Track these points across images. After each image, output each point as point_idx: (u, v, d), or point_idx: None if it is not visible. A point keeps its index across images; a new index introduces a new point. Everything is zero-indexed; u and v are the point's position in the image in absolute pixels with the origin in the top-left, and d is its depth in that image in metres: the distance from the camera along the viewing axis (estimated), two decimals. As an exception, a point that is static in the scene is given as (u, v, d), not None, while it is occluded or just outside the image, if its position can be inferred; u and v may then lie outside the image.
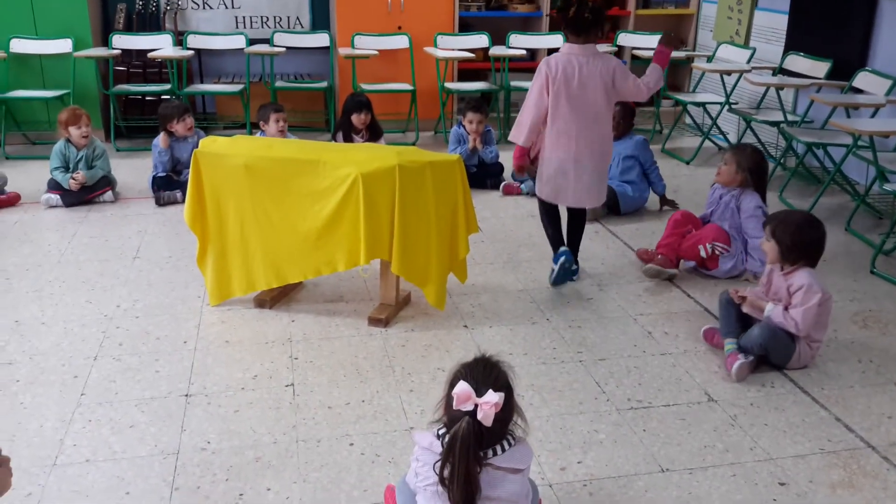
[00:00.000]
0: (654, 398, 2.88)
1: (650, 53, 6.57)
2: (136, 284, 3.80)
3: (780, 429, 2.72)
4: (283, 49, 6.54)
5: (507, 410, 1.87)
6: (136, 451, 2.54)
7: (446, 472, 1.83)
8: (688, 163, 6.12)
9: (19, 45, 6.16)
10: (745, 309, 3.12)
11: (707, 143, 6.31)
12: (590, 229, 4.63)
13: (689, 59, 6.97)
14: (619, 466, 2.51)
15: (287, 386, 2.94)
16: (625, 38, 7.05)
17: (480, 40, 6.85)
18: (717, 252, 3.88)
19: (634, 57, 6.94)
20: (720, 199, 4.06)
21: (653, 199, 4.99)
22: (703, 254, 3.87)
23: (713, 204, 4.10)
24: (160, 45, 6.37)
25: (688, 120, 7.00)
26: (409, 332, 3.38)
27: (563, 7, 3.72)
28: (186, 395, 2.86)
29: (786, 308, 3.03)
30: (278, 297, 3.64)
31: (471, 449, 1.81)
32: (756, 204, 3.93)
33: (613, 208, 4.81)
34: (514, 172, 5.36)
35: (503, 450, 1.87)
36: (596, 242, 4.45)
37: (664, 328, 3.43)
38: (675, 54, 6.65)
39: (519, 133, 3.77)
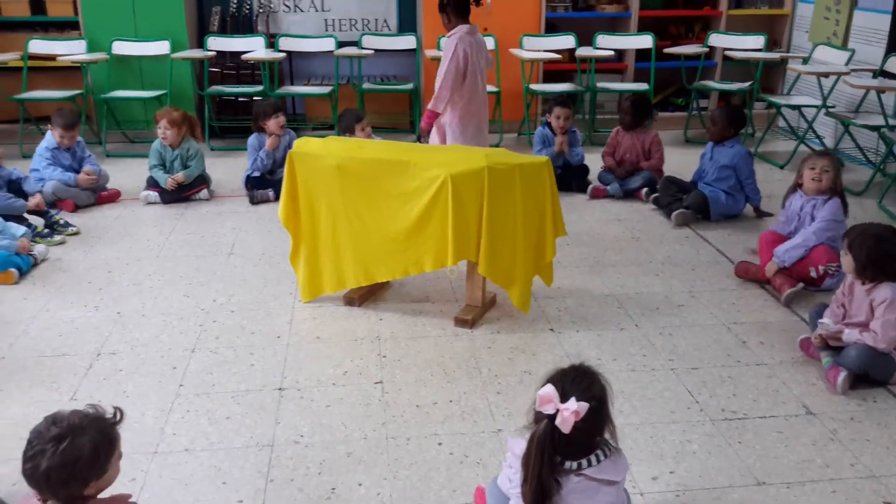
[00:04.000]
0: (749, 409, 2.81)
1: (743, 55, 6.45)
2: (231, 280, 3.91)
3: (884, 445, 2.61)
4: (371, 51, 6.63)
5: (595, 422, 1.85)
6: (232, 441, 2.62)
7: (523, 474, 1.84)
8: (781, 167, 5.94)
9: (120, 48, 6.42)
10: (831, 343, 3.03)
11: (802, 148, 6.10)
12: (680, 234, 4.55)
13: (783, 61, 6.78)
14: (712, 478, 2.45)
15: (376, 383, 2.98)
16: (716, 39, 6.88)
17: (567, 41, 6.80)
18: (829, 272, 3.73)
19: (726, 58, 6.78)
20: (801, 210, 3.89)
21: (748, 207, 4.86)
22: (813, 275, 3.72)
23: (793, 218, 3.93)
24: (253, 48, 6.54)
25: (781, 123, 6.79)
26: (494, 333, 3.38)
27: None
28: (280, 389, 2.93)
29: (867, 323, 2.93)
30: (366, 296, 3.69)
31: (545, 452, 1.81)
32: (834, 216, 3.75)
33: (704, 213, 4.70)
34: (600, 174, 5.32)
35: (598, 461, 1.85)
36: (686, 247, 4.36)
37: (759, 338, 3.33)
38: (768, 55, 6.50)
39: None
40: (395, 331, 3.40)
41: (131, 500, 1.85)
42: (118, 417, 1.86)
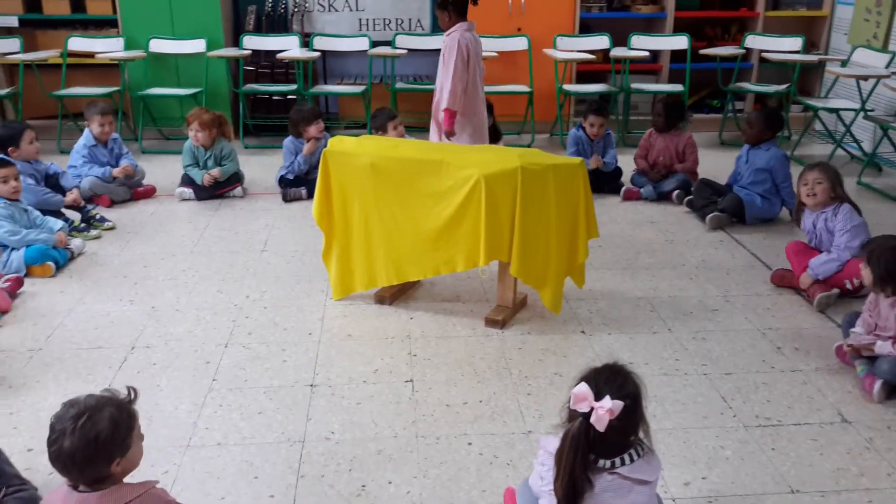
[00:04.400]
0: (783, 416, 2.77)
1: (780, 57, 6.37)
2: (264, 276, 3.95)
3: (922, 456, 2.56)
4: (405, 51, 6.64)
5: (629, 421, 1.84)
6: (264, 436, 2.64)
7: (556, 471, 1.83)
8: (818, 171, 5.84)
9: (158, 45, 6.50)
10: (863, 353, 2.98)
11: (839, 152, 6.01)
12: (714, 238, 4.51)
13: (821, 64, 6.68)
14: (745, 485, 2.42)
15: (406, 382, 2.99)
16: (753, 41, 6.80)
17: (601, 41, 6.76)
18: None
19: (763, 60, 6.70)
20: (814, 227, 3.82)
21: (783, 211, 4.79)
22: (848, 286, 3.66)
23: (811, 235, 3.86)
24: (288, 47, 6.59)
25: (818, 126, 6.70)
26: (525, 334, 3.37)
27: None
28: (311, 385, 2.95)
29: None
30: (397, 294, 3.70)
31: (579, 449, 1.81)
32: (851, 223, 3.66)
33: (739, 216, 4.65)
34: (633, 176, 5.29)
35: (631, 460, 1.85)
36: (721, 251, 4.31)
37: (794, 344, 3.29)
38: (805, 57, 6.41)
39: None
40: (426, 330, 3.40)
41: (158, 485, 1.87)
42: (132, 396, 1.88)
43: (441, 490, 2.38)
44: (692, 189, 4.97)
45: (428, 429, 2.68)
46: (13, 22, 6.61)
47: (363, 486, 2.40)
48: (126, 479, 1.86)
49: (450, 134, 4.45)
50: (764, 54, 6.62)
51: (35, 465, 2.46)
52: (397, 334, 3.36)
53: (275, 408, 2.80)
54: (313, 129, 5.17)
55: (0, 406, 2.79)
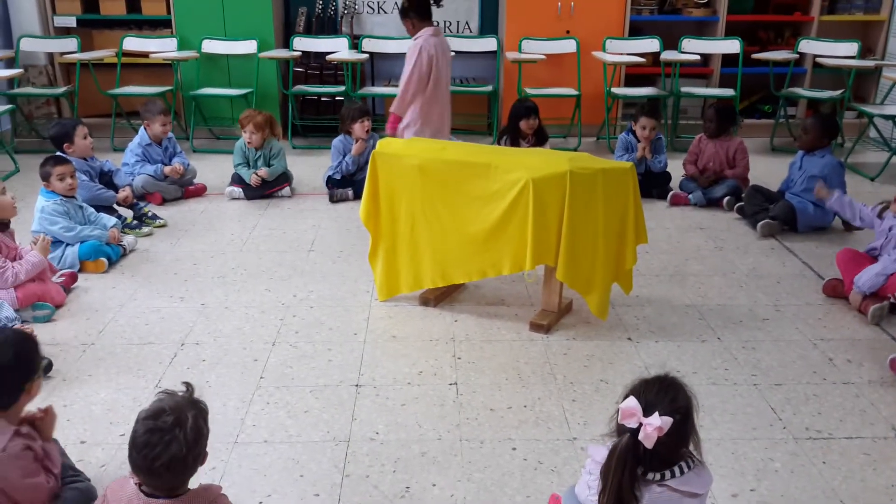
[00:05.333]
0: (835, 429, 2.71)
1: (835, 62, 6.23)
2: (311, 276, 3.98)
3: (982, 475, 2.48)
4: (452, 53, 6.63)
5: (679, 436, 1.81)
6: (309, 435, 2.66)
7: (602, 485, 1.81)
8: (872, 179, 5.72)
9: (210, 46, 6.61)
10: None
11: (894, 160, 5.86)
12: (765, 245, 4.43)
13: (878, 69, 6.52)
14: (795, 498, 2.37)
15: (451, 384, 2.99)
16: (807, 45, 6.67)
17: (651, 44, 6.69)
18: None
19: (817, 65, 6.57)
20: (889, 230, 3.70)
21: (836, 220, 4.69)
22: (893, 300, 3.56)
23: (882, 236, 3.74)
24: (337, 48, 6.65)
25: (873, 133, 6.54)
26: (570, 340, 3.34)
27: None
28: (357, 386, 2.97)
29: None
30: (442, 297, 3.70)
31: (626, 466, 1.78)
32: None
33: (791, 224, 4.56)
34: (682, 181, 5.22)
35: (681, 472, 1.82)
36: (772, 259, 4.24)
37: (847, 355, 3.21)
38: (861, 63, 6.26)
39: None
40: (470, 333, 3.40)
41: (221, 492, 1.90)
42: (191, 391, 1.92)
43: (485, 494, 2.38)
44: (743, 195, 4.89)
45: (472, 432, 2.68)
46: (71, 22, 6.77)
47: (407, 487, 2.41)
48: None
49: (390, 136, 4.49)
50: (818, 59, 6.49)
51: (88, 458, 2.52)
52: (441, 336, 3.36)
53: (321, 407, 2.83)
54: (357, 127, 5.20)
55: (54, 398, 2.85)
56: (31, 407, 2.19)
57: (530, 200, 3.15)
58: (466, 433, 2.68)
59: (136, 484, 1.83)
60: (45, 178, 4.02)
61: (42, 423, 2.15)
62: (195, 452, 1.82)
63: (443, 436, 2.66)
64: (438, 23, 7.04)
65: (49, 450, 2.13)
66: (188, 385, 1.92)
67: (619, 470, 1.77)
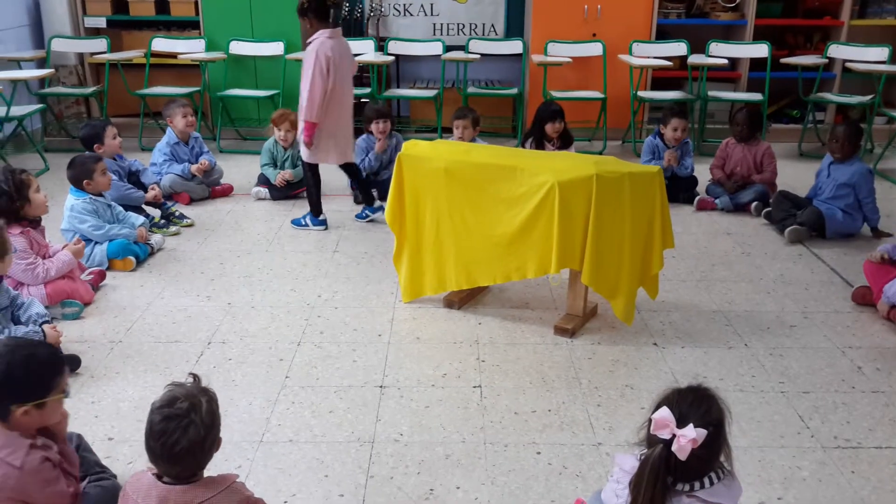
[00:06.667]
0: (864, 438, 2.68)
1: (865, 67, 6.16)
2: (335, 277, 4.00)
3: None
4: (478, 56, 6.65)
5: (712, 448, 1.78)
6: (334, 435, 2.67)
7: (633, 497, 1.79)
8: (903, 186, 5.65)
9: (237, 47, 6.66)
10: None
11: (926, 166, 5.79)
12: (793, 251, 4.39)
13: (909, 74, 6.43)
14: (823, 508, 2.35)
15: (475, 387, 2.98)
16: (836, 50, 6.59)
17: (678, 48, 6.65)
18: None
19: (846, 70, 6.49)
20: None
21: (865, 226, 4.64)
22: None
23: None
24: (363, 51, 6.66)
25: (904, 139, 6.45)
26: (595, 344, 3.33)
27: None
28: (381, 387, 2.97)
29: None
30: (466, 299, 3.70)
31: (659, 478, 1.76)
32: None
33: (819, 230, 4.51)
34: (708, 186, 5.18)
35: (711, 483, 1.79)
36: (800, 265, 4.19)
37: (876, 364, 3.17)
38: (892, 68, 6.18)
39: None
40: (494, 336, 3.40)
41: (237, 479, 1.91)
42: (198, 381, 1.94)
43: (509, 498, 2.37)
44: (770, 201, 4.85)
45: (496, 435, 2.68)
46: (101, 23, 6.86)
47: (431, 489, 2.41)
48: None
49: (308, 145, 4.45)
50: (848, 64, 6.41)
51: (115, 454, 2.55)
52: (466, 339, 3.36)
53: (345, 407, 2.83)
54: (374, 127, 5.24)
55: (83, 395, 2.89)
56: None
57: (556, 204, 3.14)
58: (490, 436, 2.67)
59: (153, 474, 1.85)
60: (88, 174, 4.05)
61: (56, 426, 2.13)
62: (212, 436, 1.84)
63: (467, 438, 2.66)
64: (477, 25, 7.10)
65: (65, 452, 2.13)
66: (195, 376, 1.93)
67: (651, 482, 1.75)
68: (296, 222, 4.73)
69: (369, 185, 5.18)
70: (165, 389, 1.89)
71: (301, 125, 4.46)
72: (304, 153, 4.54)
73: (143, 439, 1.84)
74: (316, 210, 4.69)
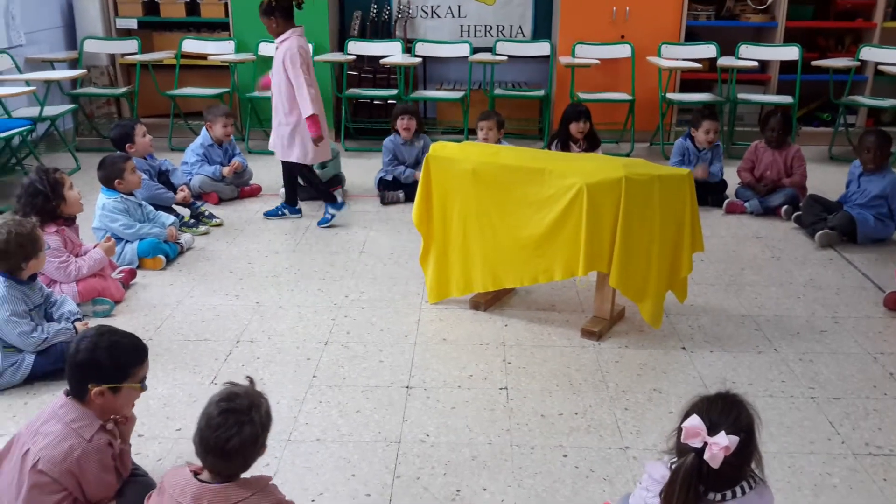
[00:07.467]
0: (896, 446, 2.64)
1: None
2: (362, 277, 4.02)
3: None
4: (505, 58, 6.64)
5: (743, 455, 1.77)
6: (361, 435, 2.68)
7: None
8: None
9: (267, 49, 6.68)
10: None
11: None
12: (823, 256, 4.34)
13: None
14: (855, 516, 2.32)
15: (501, 389, 2.98)
16: (868, 53, 6.49)
17: (708, 50, 6.60)
18: None
19: (878, 73, 6.40)
20: None
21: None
22: None
23: None
24: (391, 52, 6.69)
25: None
26: (622, 348, 3.31)
27: None
28: (407, 387, 2.98)
29: None
30: (492, 301, 3.70)
31: (691, 487, 1.75)
32: None
33: (850, 235, 4.46)
34: (738, 189, 5.13)
35: (743, 492, 1.78)
36: (830, 270, 4.14)
37: (909, 370, 3.14)
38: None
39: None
40: (521, 338, 3.39)
41: (271, 482, 1.93)
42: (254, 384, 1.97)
43: (535, 501, 2.37)
44: (801, 205, 4.79)
45: (523, 438, 2.68)
46: (133, 24, 6.94)
47: (458, 490, 2.41)
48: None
49: (319, 139, 4.55)
50: (880, 67, 6.32)
51: (144, 451, 2.58)
52: (492, 341, 3.36)
53: (372, 407, 2.85)
54: (398, 124, 5.31)
55: (114, 391, 2.92)
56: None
57: (584, 206, 3.13)
58: (517, 438, 2.67)
59: (191, 471, 1.87)
60: (119, 174, 4.10)
61: (123, 427, 2.21)
62: (263, 438, 1.87)
63: (493, 440, 2.66)
64: (504, 27, 7.10)
65: (124, 453, 2.19)
66: (251, 379, 1.95)
67: (683, 491, 1.73)
68: (270, 214, 4.91)
69: (398, 188, 5.21)
70: (224, 386, 1.91)
71: (282, 128, 4.58)
72: (298, 156, 4.63)
73: (197, 429, 1.85)
74: (329, 197, 4.80)
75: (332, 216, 4.78)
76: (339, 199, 4.86)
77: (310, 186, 4.85)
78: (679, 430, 1.81)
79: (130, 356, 2.15)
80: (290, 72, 4.48)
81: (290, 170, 4.81)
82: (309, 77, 4.50)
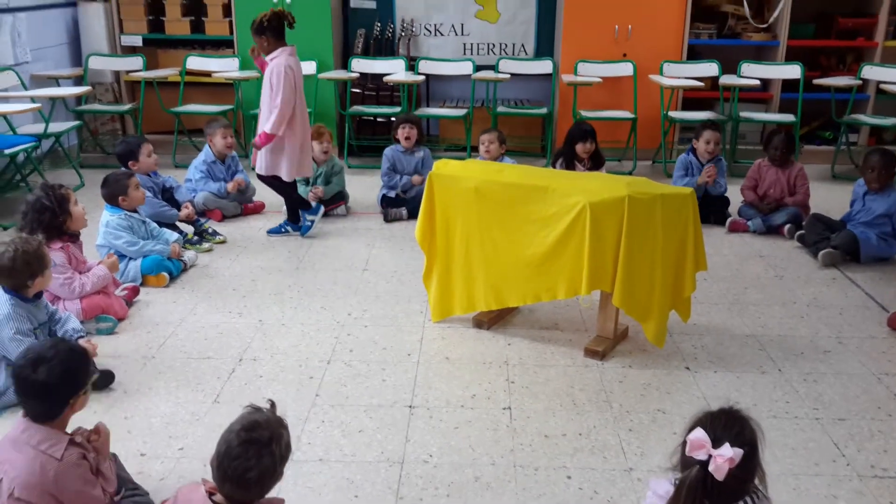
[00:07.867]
0: (902, 468, 2.63)
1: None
2: (365, 295, 4.01)
3: None
4: (508, 76, 6.67)
5: (747, 469, 1.77)
6: (364, 455, 2.67)
7: None
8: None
9: (270, 66, 6.73)
10: None
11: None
12: (826, 275, 4.33)
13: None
14: (861, 539, 2.30)
15: (504, 409, 2.97)
16: (870, 71, 6.52)
17: (710, 68, 6.63)
18: None
19: (880, 91, 6.42)
20: None
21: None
22: None
23: None
24: (394, 70, 6.72)
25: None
26: (626, 367, 3.31)
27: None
28: (410, 407, 2.97)
29: None
30: (495, 319, 3.70)
31: (696, 500, 1.75)
32: None
33: (853, 254, 4.45)
34: (741, 208, 5.13)
35: (747, 508, 1.78)
36: (833, 289, 4.14)
37: (914, 391, 3.12)
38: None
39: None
40: (524, 357, 3.38)
41: None
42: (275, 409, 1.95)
43: (539, 522, 2.36)
44: (804, 223, 4.79)
45: (526, 458, 2.66)
46: (138, 41, 6.98)
47: (461, 512, 2.40)
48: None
49: (256, 146, 4.66)
50: (882, 86, 6.34)
51: (147, 470, 2.57)
52: (495, 360, 3.36)
53: (375, 427, 2.84)
54: (399, 133, 5.37)
55: (116, 411, 2.92)
56: (87, 422, 2.26)
57: (587, 225, 3.13)
58: (520, 459, 2.66)
59: (207, 492, 1.85)
60: (123, 191, 4.11)
61: (97, 444, 2.18)
62: (282, 468, 1.87)
63: (496, 461, 2.65)
64: (507, 45, 7.13)
65: (104, 470, 2.17)
66: (272, 403, 1.94)
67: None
68: (273, 231, 4.94)
69: (401, 205, 5.22)
70: (244, 410, 1.90)
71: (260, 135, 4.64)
72: (286, 172, 4.68)
73: (215, 454, 1.83)
74: (304, 204, 4.89)
75: (312, 222, 4.88)
76: (313, 204, 4.96)
77: (286, 198, 4.90)
78: (683, 444, 1.81)
79: (82, 355, 2.23)
80: (270, 88, 4.55)
81: (281, 186, 4.82)
82: (292, 97, 4.54)
